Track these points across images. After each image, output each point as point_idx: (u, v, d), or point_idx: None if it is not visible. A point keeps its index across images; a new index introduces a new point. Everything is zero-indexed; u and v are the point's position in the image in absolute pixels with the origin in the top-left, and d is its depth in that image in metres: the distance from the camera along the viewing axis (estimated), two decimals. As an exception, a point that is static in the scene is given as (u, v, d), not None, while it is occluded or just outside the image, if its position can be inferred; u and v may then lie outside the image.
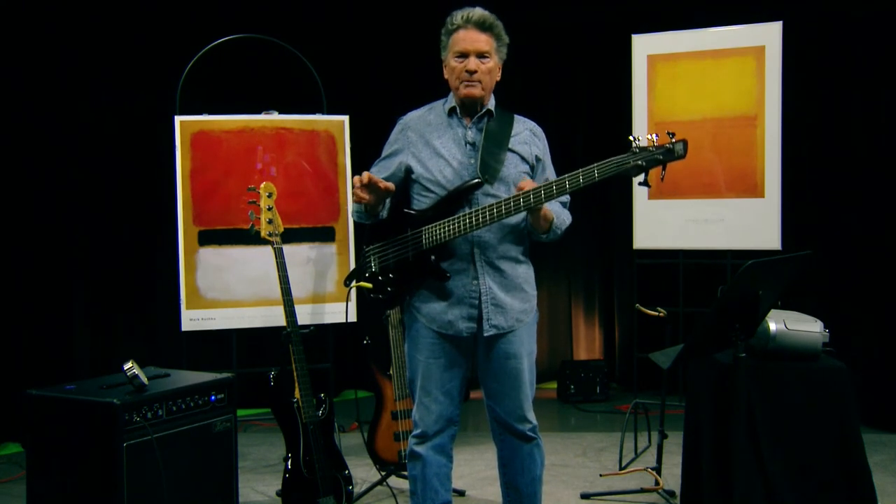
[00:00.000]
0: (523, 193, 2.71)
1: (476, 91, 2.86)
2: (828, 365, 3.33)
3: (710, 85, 4.88)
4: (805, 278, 5.09)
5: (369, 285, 2.96)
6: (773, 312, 3.26)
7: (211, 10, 5.54)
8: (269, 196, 3.75)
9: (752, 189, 4.88)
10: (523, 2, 5.87)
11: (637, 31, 5.08)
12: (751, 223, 4.86)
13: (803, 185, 5.33)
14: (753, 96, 4.86)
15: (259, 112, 4.56)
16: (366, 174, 2.77)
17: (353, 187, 2.79)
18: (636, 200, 5.08)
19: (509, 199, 2.73)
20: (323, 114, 4.72)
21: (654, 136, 2.64)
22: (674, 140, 2.61)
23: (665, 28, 5.10)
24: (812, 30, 5.40)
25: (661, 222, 5.02)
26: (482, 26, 2.84)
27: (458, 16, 2.85)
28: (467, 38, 2.83)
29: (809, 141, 5.40)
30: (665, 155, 2.62)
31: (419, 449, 2.96)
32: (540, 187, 2.70)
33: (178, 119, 4.44)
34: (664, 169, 2.63)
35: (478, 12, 2.85)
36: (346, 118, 4.67)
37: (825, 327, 3.34)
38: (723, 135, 4.92)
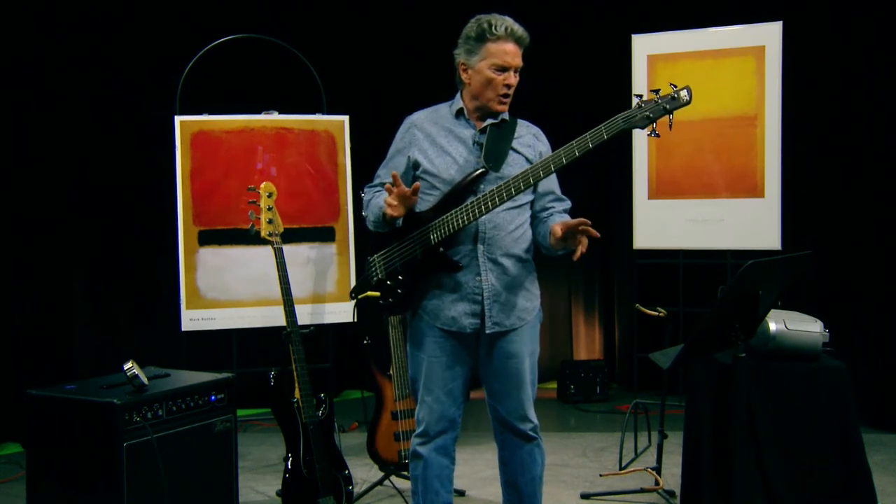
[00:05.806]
0: (532, 167, 2.70)
1: (507, 106, 2.87)
2: (828, 365, 3.33)
3: (709, 85, 4.88)
4: (805, 278, 5.11)
5: (377, 294, 2.96)
6: (773, 312, 3.26)
7: (211, 10, 5.54)
8: (269, 196, 3.75)
9: (752, 189, 4.88)
10: (522, 1, 5.85)
11: (637, 31, 5.08)
12: (751, 223, 4.86)
13: (803, 185, 5.33)
14: (753, 96, 4.86)
15: (259, 112, 4.56)
16: (396, 189, 2.73)
17: (386, 207, 2.76)
18: (636, 200, 5.08)
19: (517, 176, 2.71)
20: (323, 114, 4.72)
21: (656, 90, 2.65)
22: (677, 88, 2.62)
23: (665, 28, 5.11)
24: (812, 30, 5.40)
25: (661, 222, 5.02)
26: (521, 42, 2.80)
27: (501, 26, 2.75)
28: (510, 51, 2.78)
29: (809, 141, 5.40)
30: (671, 103, 2.62)
31: (421, 450, 2.95)
32: (548, 157, 2.68)
33: (178, 119, 4.44)
34: (671, 117, 2.63)
35: (519, 27, 2.79)
36: (346, 118, 4.67)
37: (825, 327, 3.34)
38: (723, 135, 4.92)
